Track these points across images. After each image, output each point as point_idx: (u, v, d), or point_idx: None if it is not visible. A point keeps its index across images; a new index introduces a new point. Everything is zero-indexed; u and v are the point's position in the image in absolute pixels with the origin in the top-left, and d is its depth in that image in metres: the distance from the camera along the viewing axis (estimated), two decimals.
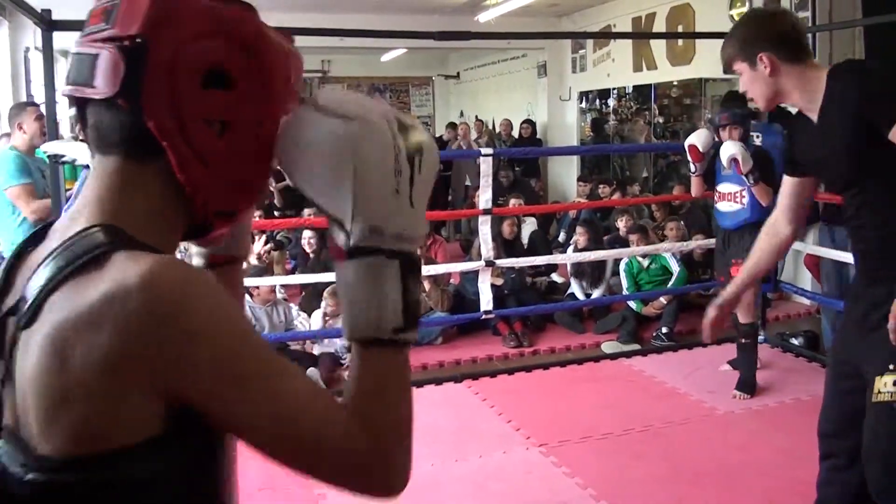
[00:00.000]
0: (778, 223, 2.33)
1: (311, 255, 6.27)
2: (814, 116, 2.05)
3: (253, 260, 6.01)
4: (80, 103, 0.83)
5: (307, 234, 6.28)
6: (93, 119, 0.82)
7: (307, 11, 8.39)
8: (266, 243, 6.51)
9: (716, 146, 4.27)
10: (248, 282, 4.92)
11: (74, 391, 0.71)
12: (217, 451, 0.82)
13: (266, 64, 0.83)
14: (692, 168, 4.42)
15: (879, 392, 1.95)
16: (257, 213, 7.03)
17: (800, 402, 4.17)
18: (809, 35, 5.98)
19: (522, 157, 9.64)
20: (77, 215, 0.81)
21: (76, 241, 0.76)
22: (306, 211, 7.17)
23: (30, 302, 0.74)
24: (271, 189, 8.35)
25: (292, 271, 6.61)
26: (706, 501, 3.17)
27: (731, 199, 4.29)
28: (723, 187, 4.34)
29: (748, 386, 4.25)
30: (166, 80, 0.77)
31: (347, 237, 0.81)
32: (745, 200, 4.20)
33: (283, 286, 5.52)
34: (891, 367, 1.91)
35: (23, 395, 0.74)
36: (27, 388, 0.73)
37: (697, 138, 4.32)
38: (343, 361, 5.04)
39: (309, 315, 5.31)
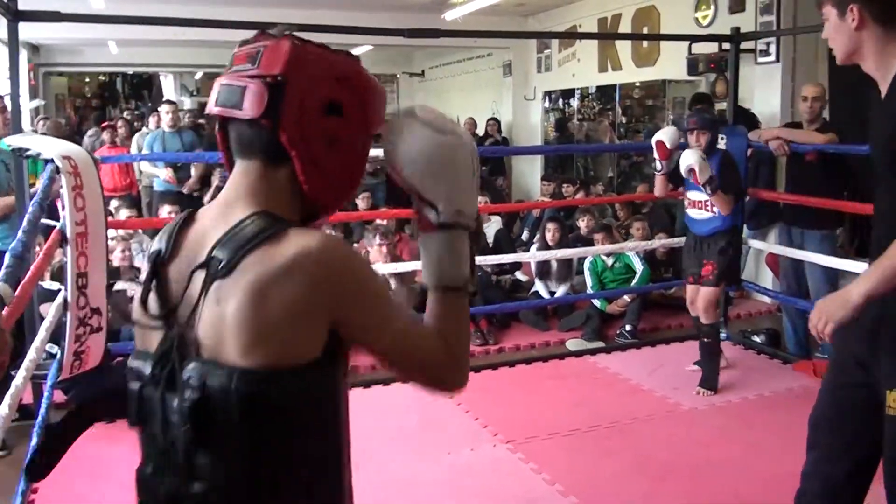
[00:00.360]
0: None
1: None
2: (883, 89, 1.99)
3: None
4: (223, 120, 1.16)
5: None
6: (235, 133, 1.14)
7: (274, 7, 8.33)
8: None
9: (683, 146, 4.28)
10: None
11: (273, 323, 1.01)
12: (344, 379, 1.16)
13: (366, 99, 1.16)
14: (657, 166, 4.40)
15: (889, 406, 1.94)
16: None
17: (762, 399, 4.25)
18: (774, 39, 6.10)
19: (489, 155, 9.65)
20: (232, 203, 1.12)
21: (253, 221, 1.07)
22: None
23: (226, 261, 1.03)
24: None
25: None
26: (673, 496, 3.22)
27: (701, 207, 4.29)
28: (692, 194, 4.33)
29: (710, 383, 4.29)
30: (298, 107, 1.08)
31: (438, 215, 1.16)
32: (716, 209, 4.20)
33: None
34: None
35: (219, 328, 1.02)
36: (229, 322, 1.01)
37: (666, 135, 4.31)
38: None
39: None
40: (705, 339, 4.34)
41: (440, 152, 1.16)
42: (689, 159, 4.05)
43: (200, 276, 1.05)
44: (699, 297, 4.29)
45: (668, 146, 4.29)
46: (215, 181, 8.11)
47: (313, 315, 1.04)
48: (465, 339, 1.21)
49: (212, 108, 1.15)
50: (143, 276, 1.19)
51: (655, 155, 4.36)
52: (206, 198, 7.98)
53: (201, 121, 9.94)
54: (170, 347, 1.05)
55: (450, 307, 1.18)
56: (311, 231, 1.08)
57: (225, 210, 1.12)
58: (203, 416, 1.00)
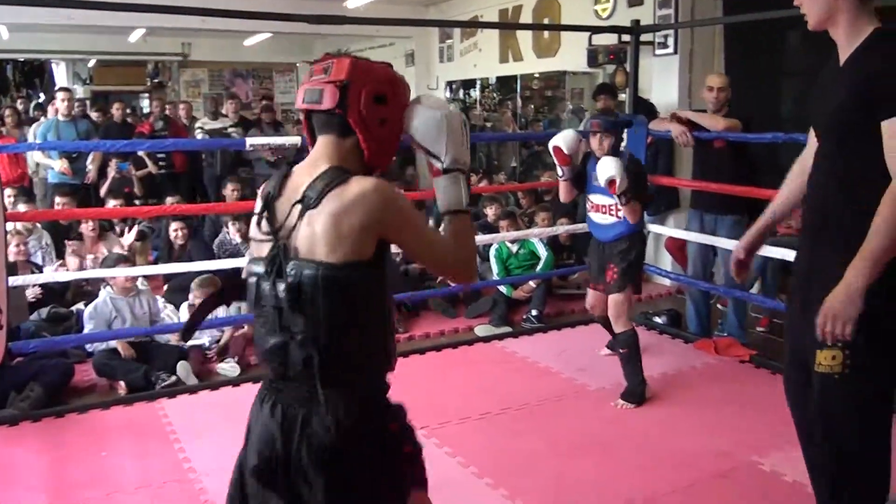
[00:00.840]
0: (806, 160, 2.32)
1: (178, 247, 6.02)
2: (843, 56, 2.09)
3: (118, 250, 5.75)
4: (307, 112, 1.73)
5: (175, 224, 6.02)
6: (317, 119, 1.72)
7: None
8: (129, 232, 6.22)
9: (586, 150, 4.21)
10: (106, 272, 4.70)
11: (345, 236, 1.57)
12: (384, 271, 1.67)
13: (399, 91, 1.72)
14: (559, 172, 4.17)
15: (820, 364, 2.08)
16: (116, 201, 6.72)
17: (666, 377, 4.39)
18: (672, 32, 6.28)
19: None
20: (317, 161, 1.68)
21: (330, 171, 1.63)
22: (169, 199, 6.91)
23: (314, 198, 1.59)
24: (131, 176, 8.00)
25: (155, 262, 6.34)
26: (585, 473, 3.28)
27: (605, 212, 4.12)
28: (595, 198, 4.17)
29: (634, 396, 4.02)
30: (357, 100, 1.65)
31: (441, 164, 1.73)
32: (621, 214, 4.04)
33: (145, 277, 5.26)
34: (828, 343, 2.03)
35: (311, 240, 1.59)
36: (317, 236, 1.57)
37: (563, 140, 4.05)
38: (210, 355, 4.90)
39: (176, 308, 5.12)
40: (622, 350, 4.10)
41: (437, 122, 1.72)
42: (610, 171, 3.85)
43: (298, 208, 1.62)
44: (610, 306, 4.10)
45: (566, 152, 4.03)
46: (111, 172, 7.81)
47: (369, 231, 1.59)
48: (471, 244, 1.80)
49: (300, 104, 1.71)
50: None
51: (555, 160, 4.15)
52: (103, 190, 7.68)
53: (94, 111, 9.53)
54: (277, 253, 1.63)
55: (456, 224, 1.73)
56: (367, 177, 1.64)
57: (312, 166, 1.69)
58: (299, 293, 1.59)
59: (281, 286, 1.61)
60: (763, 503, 3.04)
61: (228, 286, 1.96)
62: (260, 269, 1.66)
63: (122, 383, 4.41)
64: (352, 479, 1.65)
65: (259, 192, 1.77)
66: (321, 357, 1.61)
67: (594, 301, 4.33)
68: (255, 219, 1.71)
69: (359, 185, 1.59)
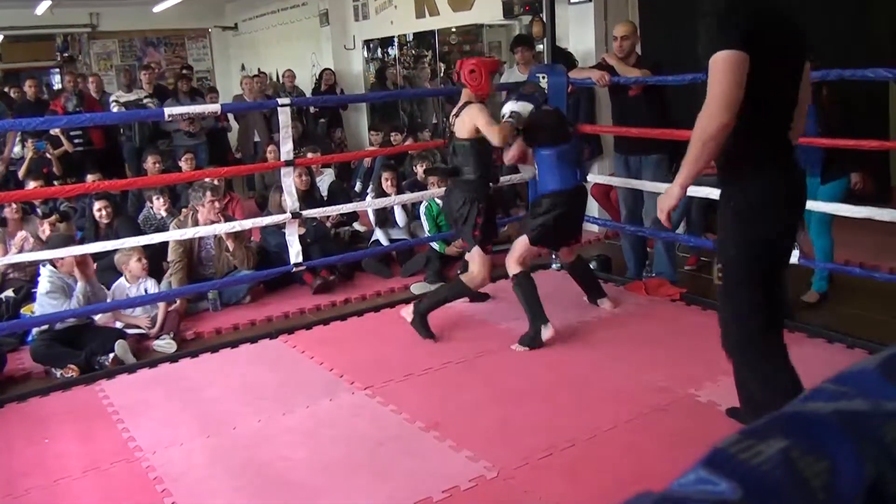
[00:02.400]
0: None
1: (104, 225, 5.88)
2: None
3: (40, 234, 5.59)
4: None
5: (98, 203, 5.86)
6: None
7: None
8: (51, 215, 6.03)
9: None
10: (52, 254, 4.55)
11: (465, 128, 4.10)
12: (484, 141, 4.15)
13: (479, 67, 4.13)
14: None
15: (717, 277, 2.46)
16: (36, 182, 6.50)
17: (601, 320, 4.52)
18: None
19: (321, 105, 9.49)
20: (462, 98, 4.23)
21: (462, 103, 4.21)
22: (89, 177, 6.72)
23: (457, 113, 4.19)
24: (48, 155, 7.74)
25: (81, 242, 6.17)
26: (528, 417, 3.38)
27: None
28: None
29: (525, 340, 4.17)
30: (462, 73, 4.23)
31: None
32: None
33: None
34: (716, 259, 2.37)
35: (458, 129, 4.12)
36: (457, 129, 4.14)
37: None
38: (149, 334, 4.83)
39: (107, 287, 5.02)
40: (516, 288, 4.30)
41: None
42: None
43: (454, 118, 4.14)
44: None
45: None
46: (28, 152, 7.55)
47: (470, 124, 4.04)
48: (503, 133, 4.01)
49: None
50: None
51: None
52: (21, 171, 7.41)
53: (8, 89, 9.17)
54: (445, 134, 4.24)
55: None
56: (474, 103, 4.09)
57: (460, 102, 4.12)
58: (456, 149, 4.12)
59: (450, 148, 4.09)
60: (701, 432, 3.17)
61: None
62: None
63: (72, 367, 4.31)
64: None
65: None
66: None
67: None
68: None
69: (467, 107, 4.01)
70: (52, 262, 4.53)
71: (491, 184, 4.30)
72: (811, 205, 3.69)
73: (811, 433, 0.46)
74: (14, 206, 5.87)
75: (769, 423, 0.47)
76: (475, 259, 4.26)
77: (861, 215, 4.08)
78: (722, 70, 2.37)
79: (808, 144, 3.93)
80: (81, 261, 4.49)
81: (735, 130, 2.39)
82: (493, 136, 3.99)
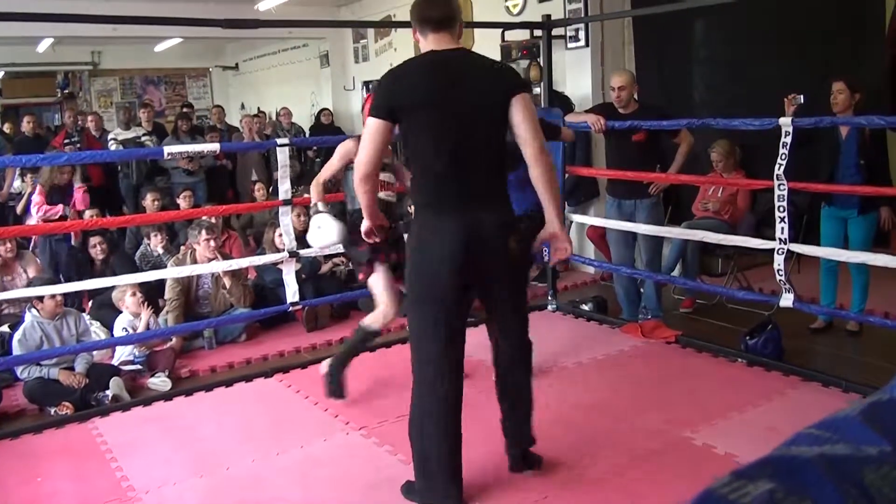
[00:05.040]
0: None
1: (100, 262, 5.89)
2: None
3: (32, 272, 5.58)
4: None
5: (94, 239, 5.87)
6: None
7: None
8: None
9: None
10: (32, 291, 4.56)
11: None
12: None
13: None
14: None
15: None
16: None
17: (596, 361, 4.51)
18: (582, 25, 6.43)
19: (319, 145, 9.53)
20: None
21: None
22: (87, 213, 6.74)
23: None
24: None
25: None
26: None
27: None
28: None
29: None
30: None
31: None
32: None
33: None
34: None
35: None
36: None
37: None
38: (142, 370, 4.82)
39: (103, 324, 5.02)
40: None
41: None
42: None
43: None
44: None
45: None
46: (27, 189, 7.58)
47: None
48: None
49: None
50: None
51: None
52: (19, 207, 7.43)
53: (5, 125, 9.24)
54: None
55: None
56: None
57: None
58: None
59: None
60: (697, 476, 3.16)
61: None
62: None
63: (67, 404, 4.28)
64: None
65: None
66: None
67: None
68: None
69: None
70: (35, 307, 4.52)
71: None
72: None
73: (795, 475, 0.49)
74: (9, 244, 5.85)
75: (759, 465, 0.50)
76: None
77: (857, 260, 4.13)
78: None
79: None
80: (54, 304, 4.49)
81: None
82: None
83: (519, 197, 3.85)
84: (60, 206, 6.33)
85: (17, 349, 4.47)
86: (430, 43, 2.83)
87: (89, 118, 9.49)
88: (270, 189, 8.63)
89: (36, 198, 5.77)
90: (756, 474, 0.49)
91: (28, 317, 4.55)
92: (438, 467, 2.96)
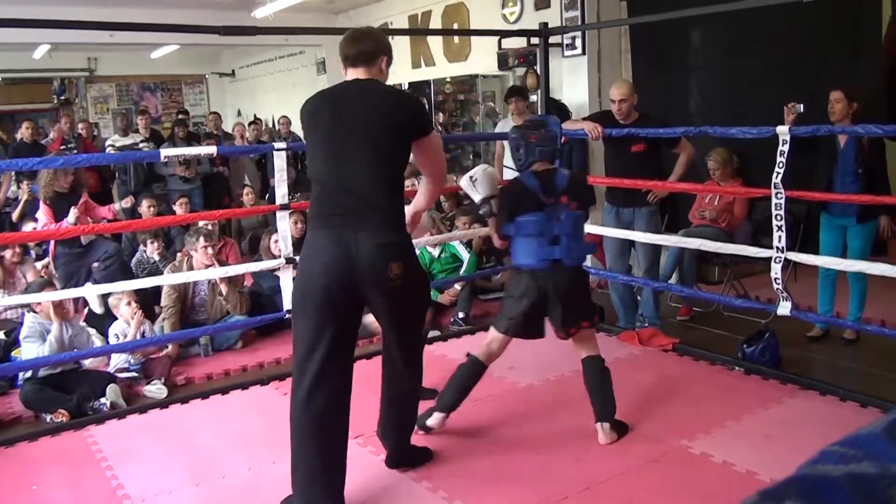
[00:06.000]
0: None
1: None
2: None
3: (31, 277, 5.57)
4: None
5: None
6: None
7: (71, 5, 7.84)
8: (45, 257, 6.01)
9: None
10: (30, 298, 4.55)
11: None
12: None
13: None
14: (482, 210, 3.83)
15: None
16: (31, 225, 6.48)
17: None
18: (579, 33, 6.45)
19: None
20: None
21: None
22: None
23: None
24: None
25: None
26: (520, 468, 3.36)
27: None
28: None
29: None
30: None
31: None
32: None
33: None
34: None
35: None
36: None
37: (463, 180, 3.89)
38: (138, 377, 4.80)
39: (99, 331, 5.00)
40: None
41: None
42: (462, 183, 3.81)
43: None
44: None
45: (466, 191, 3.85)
46: (24, 195, 7.57)
47: None
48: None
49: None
50: None
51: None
52: (16, 213, 7.42)
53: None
54: None
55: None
56: None
57: None
58: None
59: None
60: (694, 484, 3.16)
61: None
62: None
63: (62, 411, 4.26)
64: None
65: None
66: None
67: None
68: None
69: None
70: (33, 308, 4.53)
71: None
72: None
73: (821, 494, 0.49)
74: (17, 248, 5.85)
75: (786, 485, 0.50)
76: None
77: (855, 269, 4.14)
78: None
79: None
80: (58, 304, 4.46)
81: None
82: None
83: (575, 245, 3.60)
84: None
85: (24, 349, 4.46)
86: (349, 74, 3.15)
87: (80, 126, 9.50)
88: (266, 196, 8.66)
89: (42, 217, 5.72)
90: (783, 494, 0.49)
91: (27, 318, 4.55)
92: (311, 480, 3.01)
